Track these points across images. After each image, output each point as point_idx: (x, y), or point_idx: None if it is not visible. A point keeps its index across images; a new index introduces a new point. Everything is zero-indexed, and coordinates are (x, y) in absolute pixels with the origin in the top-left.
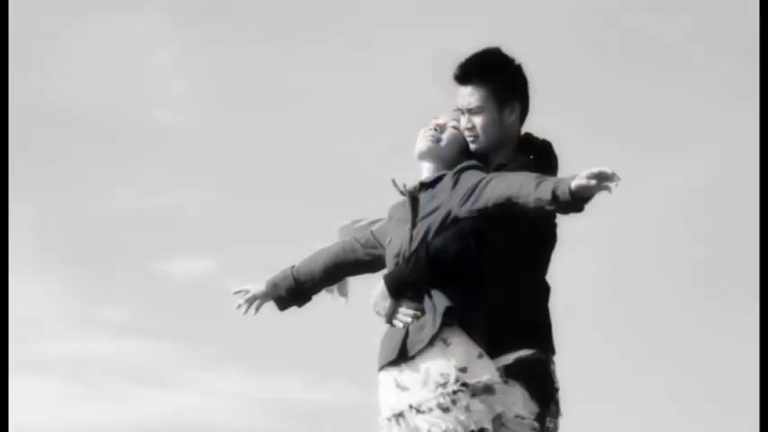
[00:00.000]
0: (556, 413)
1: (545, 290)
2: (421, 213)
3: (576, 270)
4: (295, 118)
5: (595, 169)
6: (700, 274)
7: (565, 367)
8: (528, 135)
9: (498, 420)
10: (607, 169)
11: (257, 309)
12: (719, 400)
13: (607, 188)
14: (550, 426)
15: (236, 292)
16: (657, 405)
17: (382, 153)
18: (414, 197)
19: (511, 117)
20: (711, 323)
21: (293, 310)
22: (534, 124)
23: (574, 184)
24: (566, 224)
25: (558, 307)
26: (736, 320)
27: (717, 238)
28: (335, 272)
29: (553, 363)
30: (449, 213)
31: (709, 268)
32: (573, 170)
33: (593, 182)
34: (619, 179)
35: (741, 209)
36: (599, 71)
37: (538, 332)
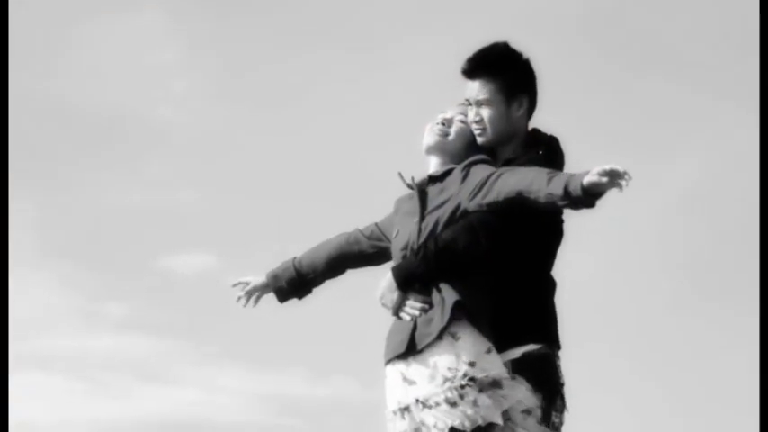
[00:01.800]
0: (561, 408)
1: (551, 285)
2: (429, 207)
3: (578, 266)
4: (297, 115)
5: (607, 167)
6: (700, 270)
7: (568, 362)
8: (535, 130)
9: (506, 415)
10: (619, 167)
11: (256, 301)
12: (719, 395)
13: (619, 186)
14: (556, 421)
15: (234, 285)
16: (659, 400)
17: None
18: (422, 190)
19: (519, 111)
20: (711, 320)
21: (296, 305)
22: (535, 120)
23: (586, 181)
24: (569, 220)
25: (562, 302)
26: (736, 318)
27: (717, 235)
28: (339, 264)
29: (559, 358)
30: (458, 206)
31: (710, 265)
32: (576, 167)
33: (605, 179)
34: (630, 178)
35: (741, 205)
36: (599, 68)
37: (544, 327)
